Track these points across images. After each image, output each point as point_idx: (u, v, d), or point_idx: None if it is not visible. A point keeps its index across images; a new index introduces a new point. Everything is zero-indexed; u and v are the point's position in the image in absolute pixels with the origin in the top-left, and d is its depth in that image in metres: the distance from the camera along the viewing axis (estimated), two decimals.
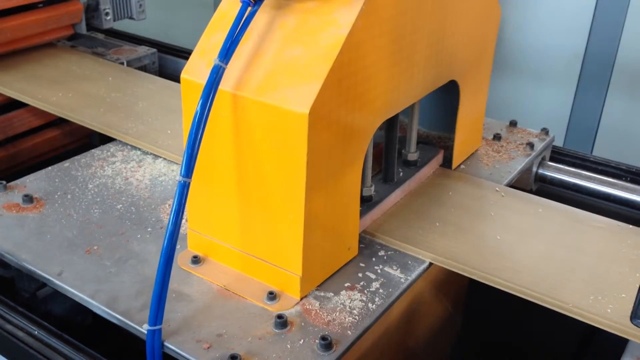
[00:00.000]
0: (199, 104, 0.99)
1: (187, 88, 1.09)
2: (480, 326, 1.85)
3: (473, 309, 1.80)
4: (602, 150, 3.02)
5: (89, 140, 2.13)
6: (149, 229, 1.27)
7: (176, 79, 2.14)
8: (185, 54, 2.38)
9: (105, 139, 1.65)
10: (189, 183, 0.99)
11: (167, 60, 2.36)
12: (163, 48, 2.37)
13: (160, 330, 0.98)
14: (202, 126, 0.99)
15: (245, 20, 1.02)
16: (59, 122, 1.99)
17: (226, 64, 1.01)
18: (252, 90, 1.02)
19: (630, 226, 1.31)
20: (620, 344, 1.09)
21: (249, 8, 1.02)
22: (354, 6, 1.01)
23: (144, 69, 2.22)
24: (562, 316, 1.08)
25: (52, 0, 1.95)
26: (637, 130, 2.98)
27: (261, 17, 1.06)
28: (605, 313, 1.05)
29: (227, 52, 1.00)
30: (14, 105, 1.87)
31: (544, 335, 1.92)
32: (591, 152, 3.05)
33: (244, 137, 1.05)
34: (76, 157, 1.52)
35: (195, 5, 3.83)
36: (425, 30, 1.22)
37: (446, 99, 1.50)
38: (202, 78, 1.04)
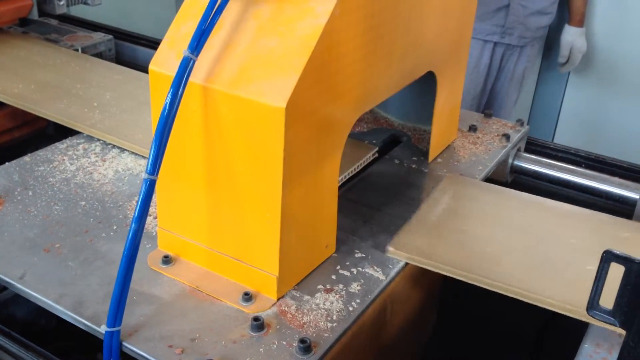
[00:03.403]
0: (168, 98, 0.94)
1: (156, 80, 1.03)
2: (454, 318, 1.85)
3: (447, 301, 1.79)
4: None
5: (43, 128, 2.03)
6: (115, 227, 1.21)
7: (133, 66, 2.09)
8: (143, 40, 2.30)
9: (60, 127, 1.57)
10: (155, 181, 0.94)
11: (124, 47, 2.28)
12: (120, 35, 2.29)
13: (119, 331, 0.94)
14: (170, 121, 0.94)
15: (217, 9, 0.97)
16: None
17: (197, 55, 0.95)
18: (225, 83, 0.97)
19: (602, 214, 1.30)
20: (581, 328, 1.08)
21: None
22: None
23: (99, 55, 2.13)
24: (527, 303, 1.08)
25: None
26: None
27: (234, 6, 1.01)
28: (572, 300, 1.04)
29: (197, 43, 0.95)
30: None
31: (511, 322, 1.93)
32: None
33: (216, 132, 1.00)
34: (37, 152, 1.45)
35: None
36: (402, 20, 1.18)
37: (421, 90, 1.47)
38: (172, 70, 0.98)
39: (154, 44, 2.32)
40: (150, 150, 0.93)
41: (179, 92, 0.94)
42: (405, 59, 1.23)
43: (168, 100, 0.93)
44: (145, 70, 1.93)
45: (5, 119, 1.89)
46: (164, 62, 1.03)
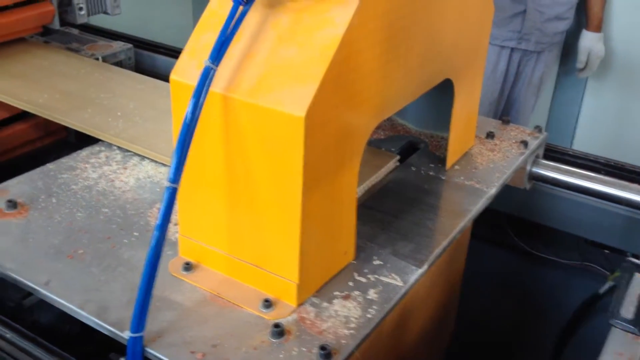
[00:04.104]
0: (189, 108, 0.95)
1: (177, 89, 1.05)
2: (472, 326, 1.85)
3: (465, 308, 1.79)
4: None
5: (65, 136, 2.07)
6: (137, 234, 1.23)
7: (153, 74, 2.11)
8: (161, 49, 2.34)
9: (82, 135, 1.60)
10: (177, 189, 0.95)
11: (144, 55, 2.32)
12: (139, 43, 2.33)
13: (142, 337, 0.95)
14: (191, 130, 0.96)
15: (237, 20, 0.98)
16: (23, 115, 1.92)
17: (217, 65, 0.97)
18: (245, 92, 0.99)
19: None
20: (600, 337, 1.07)
21: (241, 7, 0.99)
22: (349, 5, 0.97)
23: (119, 64, 2.17)
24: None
25: (23, 2, 1.90)
26: None
27: (253, 16, 1.02)
28: None
29: (218, 53, 0.97)
30: None
31: (528, 331, 1.92)
32: None
33: (236, 140, 1.02)
34: (60, 160, 1.47)
35: (171, 0, 3.78)
36: (420, 27, 1.19)
37: (438, 97, 1.48)
38: (192, 79, 1.00)
39: (172, 52, 2.35)
40: (172, 158, 0.95)
41: (200, 102, 0.96)
42: (423, 67, 1.24)
43: (189, 110, 0.95)
44: (164, 78, 1.96)
45: (31, 129, 1.93)
46: (185, 71, 1.04)
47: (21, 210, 1.27)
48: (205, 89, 0.96)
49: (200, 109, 0.96)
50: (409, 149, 1.59)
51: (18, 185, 1.36)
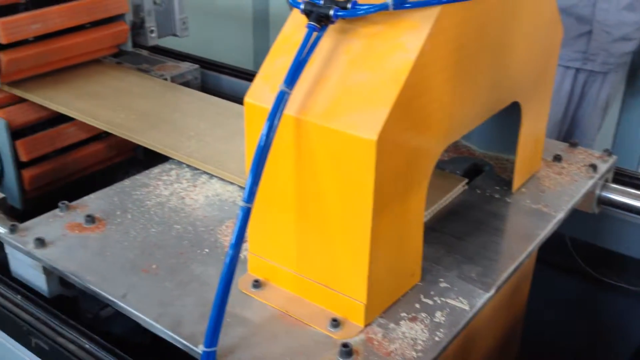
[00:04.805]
0: (264, 131, 0.98)
1: (251, 112, 1.09)
2: (537, 352, 1.81)
3: (529, 334, 1.76)
4: None
5: (133, 153, 2.15)
6: (207, 250, 1.27)
7: (218, 93, 2.18)
8: (226, 69, 2.41)
9: (148, 151, 1.66)
10: (251, 208, 0.98)
11: (209, 75, 2.39)
12: (204, 64, 2.40)
13: (214, 352, 0.98)
14: (265, 152, 0.99)
15: (310, 45, 1.02)
16: (104, 135, 2.01)
17: (291, 89, 1.00)
18: (317, 115, 1.01)
19: None
20: None
21: (315, 33, 1.02)
22: (421, 30, 0.99)
23: (187, 84, 2.25)
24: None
25: (99, 22, 1.99)
26: None
27: (325, 41, 1.05)
28: None
29: (292, 77, 1.00)
30: (64, 117, 1.90)
31: (596, 358, 1.86)
32: None
33: (307, 162, 1.04)
34: (135, 176, 1.53)
35: (233, 22, 3.88)
36: (489, 51, 1.20)
37: (503, 118, 1.47)
38: (266, 102, 1.04)
39: (236, 72, 2.42)
40: (247, 179, 0.98)
41: (275, 124, 0.99)
42: (492, 90, 1.24)
43: (264, 132, 0.98)
44: (229, 97, 2.03)
45: (106, 148, 2.03)
46: (259, 95, 1.08)
47: (99, 225, 1.33)
48: (279, 112, 0.99)
49: (275, 131, 0.99)
50: (473, 170, 1.58)
51: (96, 201, 1.42)
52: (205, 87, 2.35)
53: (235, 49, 3.83)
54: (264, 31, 3.76)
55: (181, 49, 2.57)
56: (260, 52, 3.81)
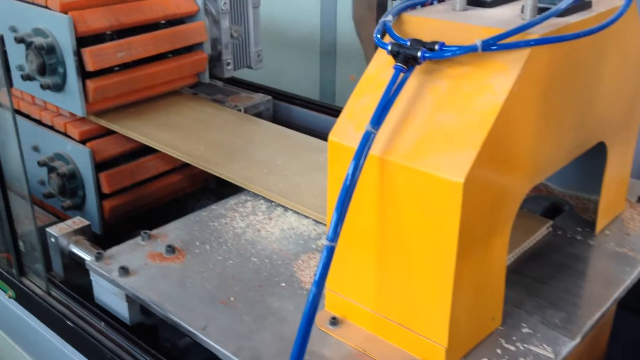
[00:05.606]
0: (349, 170, 0.99)
1: (335, 150, 1.10)
2: None
3: None
4: None
5: (206, 182, 2.20)
6: (284, 284, 1.28)
7: (288, 124, 2.21)
8: (297, 100, 2.44)
9: (221, 181, 1.68)
10: (335, 247, 0.99)
11: (280, 106, 2.43)
12: (276, 95, 2.44)
13: None
14: (351, 191, 0.99)
15: (397, 86, 1.02)
16: (182, 167, 2.07)
17: (377, 129, 1.01)
18: (402, 155, 1.01)
19: None
20: None
21: (401, 74, 1.02)
22: (510, 72, 0.98)
23: (259, 115, 2.29)
24: None
25: (180, 51, 2.06)
26: None
27: (411, 81, 1.05)
28: None
29: (378, 118, 1.00)
30: (144, 150, 1.96)
31: None
32: None
33: (390, 201, 1.04)
34: (211, 207, 1.57)
35: (302, 53, 3.93)
36: (576, 91, 1.17)
37: (584, 157, 1.42)
38: (351, 141, 1.04)
39: (306, 103, 2.45)
40: (332, 217, 0.98)
41: (360, 164, 0.99)
42: (578, 130, 1.21)
43: (350, 172, 0.99)
44: (300, 128, 2.05)
45: (183, 180, 2.08)
46: (343, 133, 1.09)
47: (179, 255, 1.36)
48: (365, 152, 0.99)
49: (360, 171, 0.99)
50: (552, 210, 1.54)
51: (175, 231, 1.46)
52: (277, 118, 2.39)
53: (302, 79, 3.89)
54: (330, 62, 3.81)
55: (251, 79, 2.63)
56: (327, 83, 3.85)
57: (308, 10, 3.77)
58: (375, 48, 1.11)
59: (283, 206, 1.55)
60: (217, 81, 2.48)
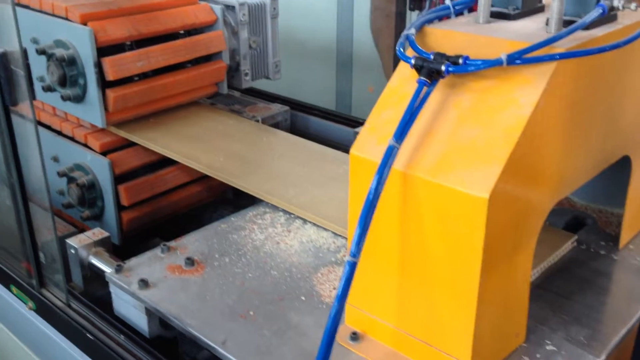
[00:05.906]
0: (372, 185, 0.98)
1: (357, 164, 1.09)
2: None
3: None
4: None
5: (223, 193, 2.19)
6: (303, 298, 1.27)
7: (306, 135, 2.20)
8: (314, 110, 2.44)
9: (238, 191, 1.67)
10: (357, 263, 0.98)
11: (297, 116, 2.43)
12: (294, 105, 2.44)
13: None
14: (373, 206, 0.99)
15: (420, 100, 1.01)
16: (201, 178, 2.06)
17: (400, 144, 1.00)
18: (425, 170, 1.00)
19: None
20: None
21: (425, 88, 1.02)
22: (536, 86, 0.97)
23: (276, 125, 2.29)
24: None
25: (198, 61, 2.07)
26: None
27: (434, 95, 1.04)
28: None
29: (402, 132, 1.00)
30: (163, 162, 1.96)
31: None
32: None
33: (413, 216, 1.03)
34: (230, 218, 1.56)
35: (318, 63, 3.93)
36: (601, 105, 1.16)
37: (608, 171, 1.41)
38: (373, 155, 1.04)
39: (324, 113, 2.45)
40: (355, 232, 0.97)
41: (383, 179, 0.98)
42: (603, 144, 1.20)
43: (372, 186, 0.98)
44: (316, 138, 2.04)
45: (202, 191, 2.08)
46: (365, 147, 1.08)
47: (198, 268, 1.36)
48: (388, 166, 0.98)
49: (383, 185, 0.98)
50: (574, 223, 1.52)
51: (194, 243, 1.46)
52: (294, 128, 2.38)
53: (319, 90, 3.89)
54: (347, 73, 3.81)
55: (268, 89, 2.63)
56: (343, 93, 3.84)
57: (325, 21, 3.78)
58: (394, 58, 1.10)
59: (302, 218, 1.54)
60: (235, 91, 2.48)
